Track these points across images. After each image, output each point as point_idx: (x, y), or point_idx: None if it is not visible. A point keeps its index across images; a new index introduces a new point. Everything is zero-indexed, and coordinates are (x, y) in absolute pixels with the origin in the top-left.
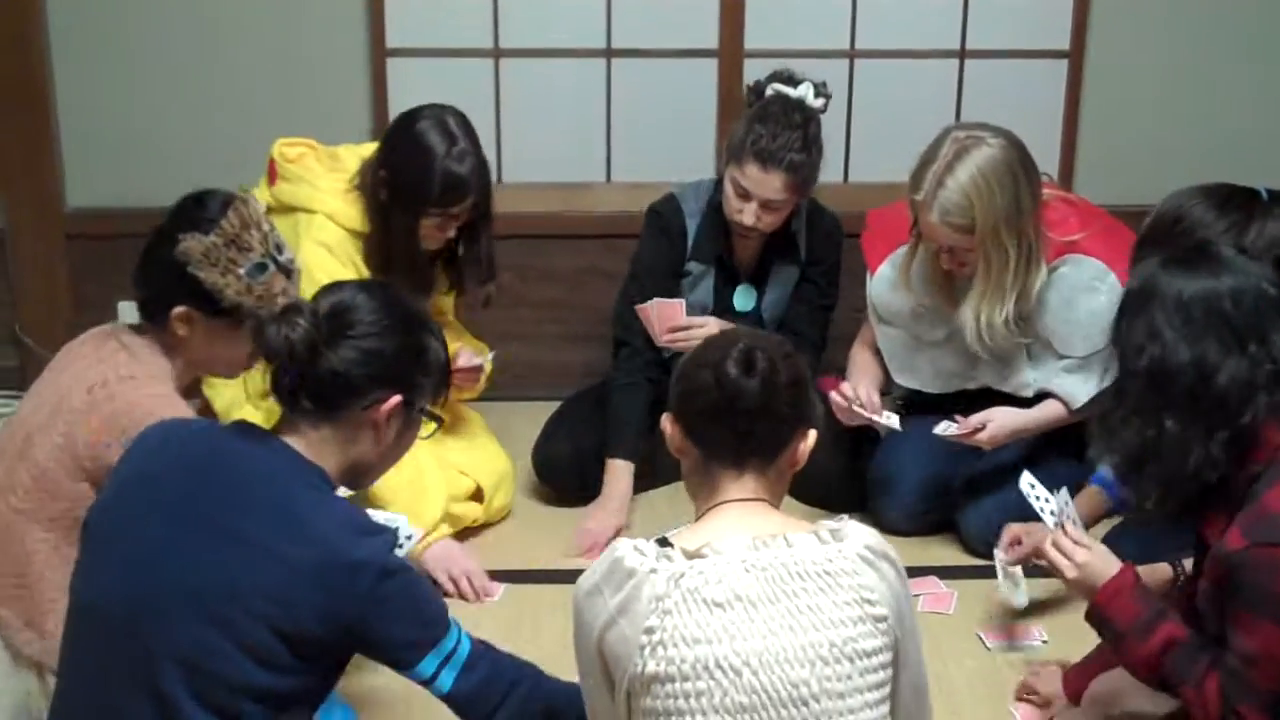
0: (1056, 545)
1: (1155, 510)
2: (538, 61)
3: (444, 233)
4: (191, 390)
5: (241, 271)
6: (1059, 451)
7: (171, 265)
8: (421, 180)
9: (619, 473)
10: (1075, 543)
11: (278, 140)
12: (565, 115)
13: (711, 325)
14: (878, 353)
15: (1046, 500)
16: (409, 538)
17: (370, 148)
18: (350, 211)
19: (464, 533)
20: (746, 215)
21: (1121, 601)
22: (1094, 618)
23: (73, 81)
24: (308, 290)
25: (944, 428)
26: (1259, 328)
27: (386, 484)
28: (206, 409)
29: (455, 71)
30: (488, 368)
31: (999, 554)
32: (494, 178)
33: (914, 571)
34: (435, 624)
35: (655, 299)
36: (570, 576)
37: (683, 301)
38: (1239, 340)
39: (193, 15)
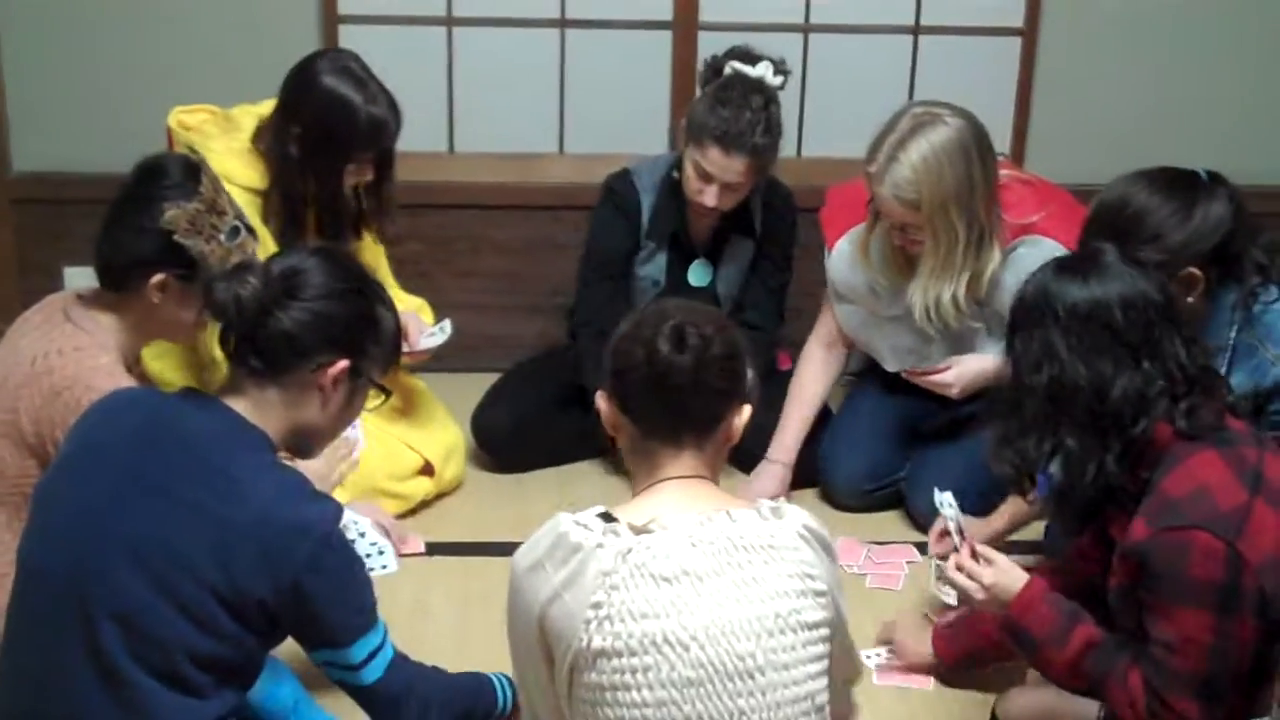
0: (961, 567)
1: (1052, 519)
2: (491, 30)
3: (362, 176)
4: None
5: (222, 237)
6: None
7: (154, 233)
8: (346, 130)
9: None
10: (979, 557)
11: (174, 109)
12: (518, 85)
13: None
14: (830, 351)
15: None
16: (384, 567)
17: (268, 105)
18: (246, 171)
19: (415, 506)
20: (708, 197)
21: (1035, 612)
22: (1010, 629)
23: (19, 44)
24: None
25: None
26: (1151, 340)
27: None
28: (145, 380)
29: (407, 39)
30: (441, 340)
31: (931, 546)
32: (446, 147)
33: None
34: (370, 612)
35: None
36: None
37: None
38: (1133, 354)
39: None
